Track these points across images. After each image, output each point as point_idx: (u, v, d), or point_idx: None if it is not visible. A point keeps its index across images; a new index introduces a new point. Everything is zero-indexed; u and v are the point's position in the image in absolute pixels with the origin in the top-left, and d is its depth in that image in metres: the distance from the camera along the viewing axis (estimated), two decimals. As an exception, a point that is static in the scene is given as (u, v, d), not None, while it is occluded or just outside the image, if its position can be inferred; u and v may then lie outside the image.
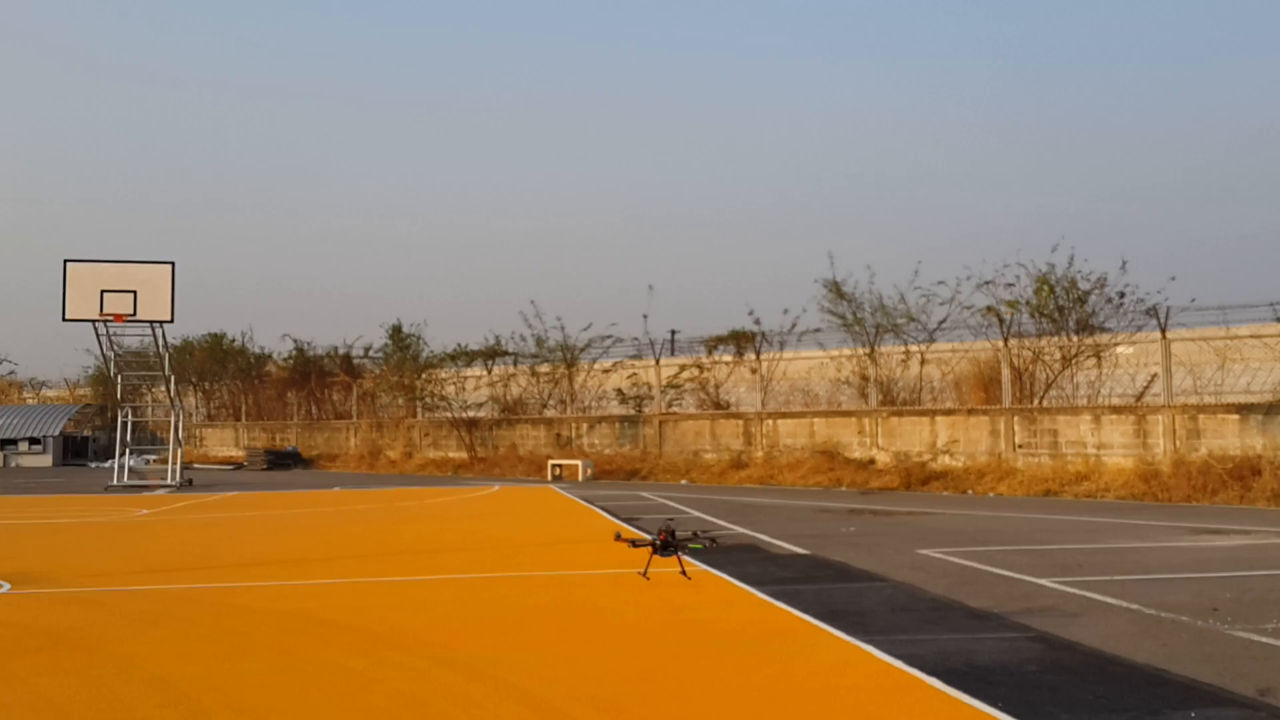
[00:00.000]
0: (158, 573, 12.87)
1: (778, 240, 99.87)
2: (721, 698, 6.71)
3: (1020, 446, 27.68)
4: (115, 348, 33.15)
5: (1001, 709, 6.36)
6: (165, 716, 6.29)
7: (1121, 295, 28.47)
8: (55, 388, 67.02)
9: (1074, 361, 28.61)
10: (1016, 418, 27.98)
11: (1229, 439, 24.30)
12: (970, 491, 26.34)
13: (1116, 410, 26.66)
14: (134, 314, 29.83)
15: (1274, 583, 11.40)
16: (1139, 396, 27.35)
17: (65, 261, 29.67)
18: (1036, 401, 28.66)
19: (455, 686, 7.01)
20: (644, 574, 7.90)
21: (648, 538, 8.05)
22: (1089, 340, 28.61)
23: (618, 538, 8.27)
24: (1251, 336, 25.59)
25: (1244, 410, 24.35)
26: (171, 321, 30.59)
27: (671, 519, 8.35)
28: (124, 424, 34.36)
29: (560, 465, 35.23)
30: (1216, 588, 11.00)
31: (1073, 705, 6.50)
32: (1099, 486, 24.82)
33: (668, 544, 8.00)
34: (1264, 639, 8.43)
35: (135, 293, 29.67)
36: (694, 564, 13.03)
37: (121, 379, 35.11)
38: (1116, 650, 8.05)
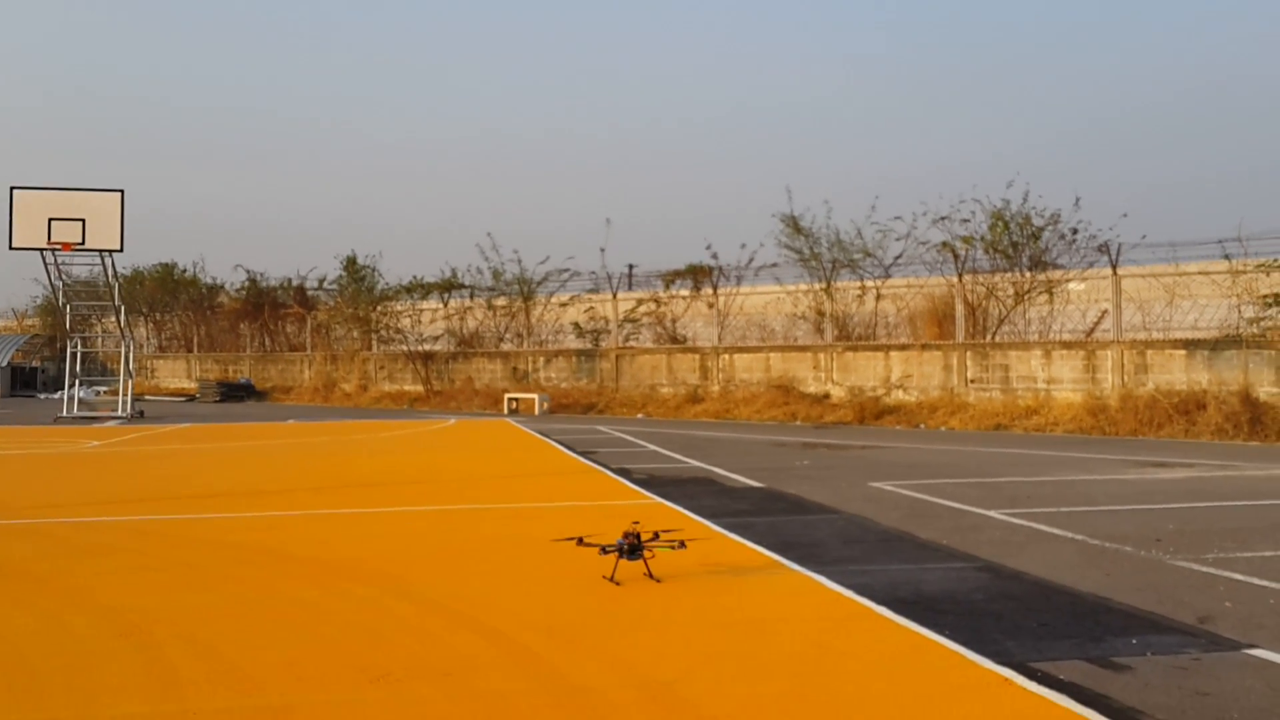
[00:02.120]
0: (109, 504, 12.78)
1: (736, 174, 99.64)
2: (674, 627, 6.78)
3: (972, 381, 27.97)
4: (64, 277, 32.65)
5: (949, 636, 6.47)
6: (116, 648, 6.27)
7: (1074, 232, 28.73)
8: (2, 317, 65.97)
9: (1026, 297, 28.87)
10: (969, 353, 28.24)
11: (1175, 374, 24.68)
12: (923, 426, 26.63)
13: (1067, 346, 26.97)
14: (82, 243, 29.37)
15: (1215, 514, 11.63)
16: (1089, 332, 27.69)
17: (11, 189, 29.13)
18: (989, 337, 28.93)
19: (409, 618, 7.04)
20: (611, 579, 7.89)
21: (614, 544, 8.02)
22: (1041, 276, 28.86)
23: (580, 542, 8.22)
24: (1200, 273, 25.90)
25: (1191, 346, 24.71)
26: (121, 250, 30.21)
27: (636, 522, 8.33)
28: (74, 355, 33.96)
29: (517, 399, 35.23)
30: (1160, 519, 11.21)
31: (1017, 632, 6.63)
32: (1048, 421, 25.17)
33: (635, 547, 7.97)
34: (1204, 568, 8.61)
35: (84, 221, 29.19)
36: (648, 495, 13.14)
37: (70, 309, 34.59)
38: (1061, 580, 8.20)
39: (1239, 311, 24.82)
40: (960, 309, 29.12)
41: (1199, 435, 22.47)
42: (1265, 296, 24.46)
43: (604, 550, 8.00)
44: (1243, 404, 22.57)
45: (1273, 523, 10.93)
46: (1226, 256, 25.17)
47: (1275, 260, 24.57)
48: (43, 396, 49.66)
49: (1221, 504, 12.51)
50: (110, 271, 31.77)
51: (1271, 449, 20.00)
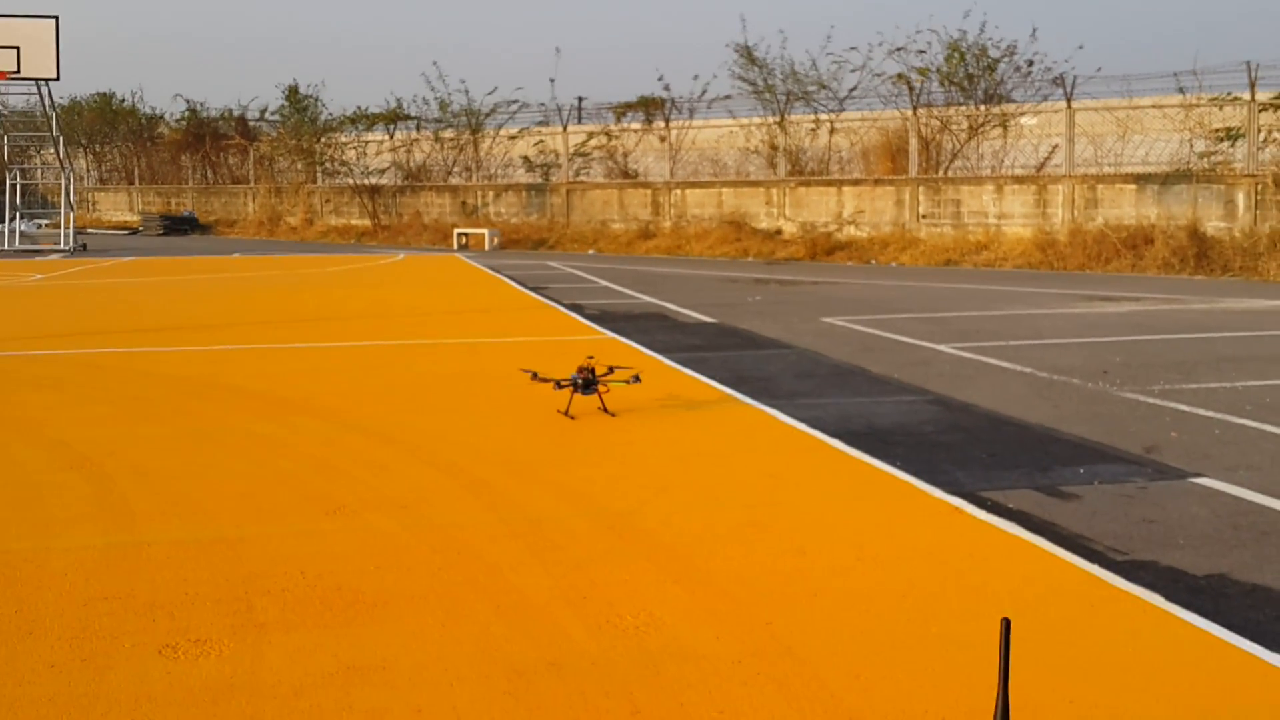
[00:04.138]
0: (55, 338, 12.57)
1: (689, 2, 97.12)
2: (630, 460, 6.81)
3: (924, 217, 27.95)
4: (1, 107, 31.58)
5: (900, 467, 6.55)
6: (66, 480, 6.21)
7: (1030, 64, 28.35)
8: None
9: (980, 131, 28.65)
10: (921, 188, 28.14)
11: (1125, 209, 24.75)
12: (874, 261, 26.69)
13: (1019, 180, 26.92)
14: (17, 71, 28.35)
15: (1161, 347, 11.80)
16: (1040, 167, 27.58)
17: (-60, 17, 27.87)
18: (942, 172, 28.80)
19: (364, 451, 7.01)
20: (566, 413, 7.83)
21: (568, 379, 7.93)
22: (996, 110, 28.59)
23: (534, 377, 8.12)
24: (1153, 107, 25.77)
25: (1141, 180, 24.74)
26: (57, 79, 29.27)
27: (591, 357, 8.23)
28: (13, 187, 33.02)
29: (466, 234, 34.83)
30: (1107, 352, 11.35)
31: (967, 463, 6.73)
32: (998, 256, 25.28)
33: (589, 382, 7.89)
34: (1151, 399, 8.75)
35: (18, 49, 28.14)
36: (601, 331, 13.11)
37: (7, 140, 33.56)
38: (1010, 412, 8.31)
39: (1190, 146, 24.82)
40: (914, 143, 28.89)
41: (1146, 270, 22.69)
42: (1217, 130, 24.43)
43: (558, 385, 7.97)
44: (1190, 238, 22.74)
45: (1218, 355, 11.10)
46: (1180, 90, 25.02)
47: (1228, 94, 24.45)
48: (-20, 230, 48.36)
49: (1167, 337, 12.69)
50: (47, 101, 30.73)
51: (1216, 283, 20.26)
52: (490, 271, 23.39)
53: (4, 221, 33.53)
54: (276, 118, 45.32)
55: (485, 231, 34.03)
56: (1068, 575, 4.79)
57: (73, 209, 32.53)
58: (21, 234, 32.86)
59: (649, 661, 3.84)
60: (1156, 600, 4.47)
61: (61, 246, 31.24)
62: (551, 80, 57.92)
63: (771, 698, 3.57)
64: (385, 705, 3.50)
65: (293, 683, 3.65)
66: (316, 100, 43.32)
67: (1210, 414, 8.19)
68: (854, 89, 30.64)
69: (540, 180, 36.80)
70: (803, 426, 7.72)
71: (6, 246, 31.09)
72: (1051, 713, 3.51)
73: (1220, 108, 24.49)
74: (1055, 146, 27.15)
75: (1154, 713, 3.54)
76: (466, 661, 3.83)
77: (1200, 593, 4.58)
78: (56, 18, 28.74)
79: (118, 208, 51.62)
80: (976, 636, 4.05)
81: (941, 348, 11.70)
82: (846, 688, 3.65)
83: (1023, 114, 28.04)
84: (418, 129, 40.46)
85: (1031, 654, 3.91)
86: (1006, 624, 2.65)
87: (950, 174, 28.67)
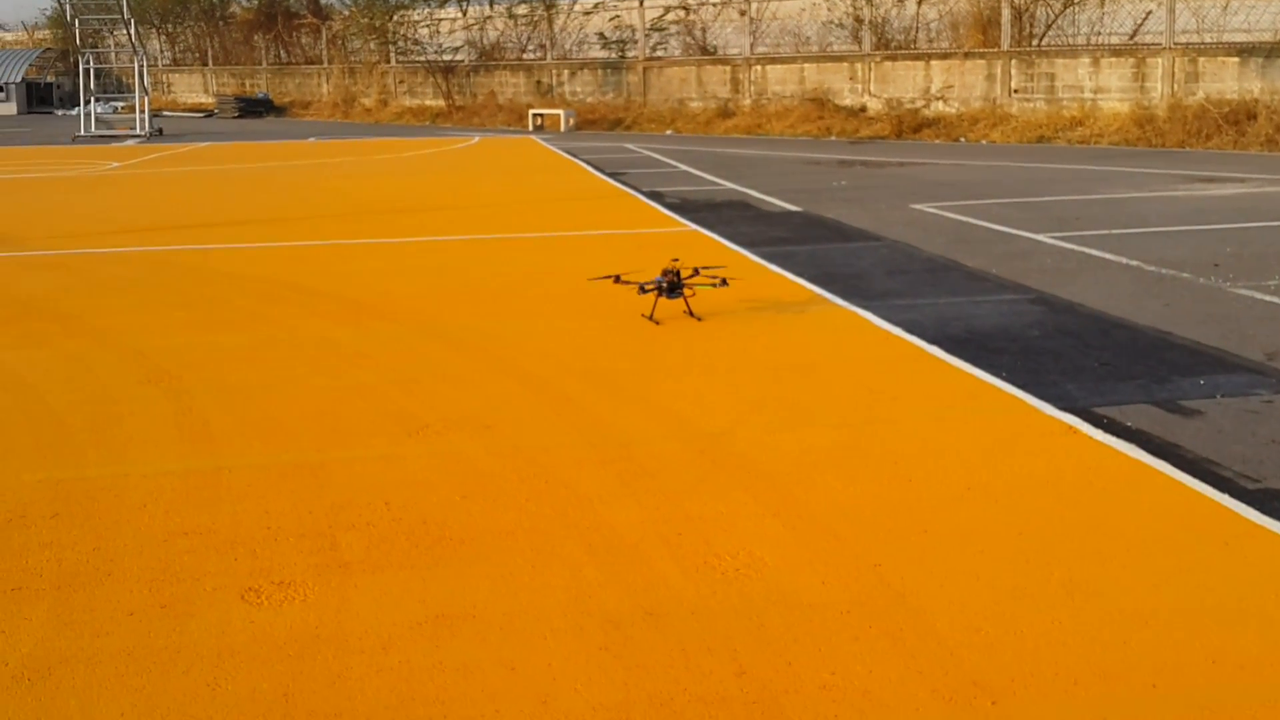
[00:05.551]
0: (131, 233, 12.50)
1: None
2: (718, 372, 6.52)
3: (1016, 91, 26.83)
4: (70, -13, 31.42)
5: (1006, 379, 6.19)
6: (145, 396, 6.09)
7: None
8: (12, 30, 64.16)
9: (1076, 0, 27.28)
10: (1014, 61, 26.97)
11: (1227, 83, 23.51)
12: (963, 139, 25.78)
13: (1116, 52, 25.65)
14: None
15: (1273, 235, 11.17)
16: (1133, 34, 26.19)
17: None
18: (1035, 44, 27.55)
19: (444, 361, 6.81)
20: (651, 318, 7.52)
21: (653, 282, 7.60)
22: (1093, -24, 27.17)
23: (617, 280, 7.79)
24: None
25: (1244, 52, 23.41)
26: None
27: (676, 259, 7.86)
28: (86, 71, 32.98)
29: (541, 115, 34.27)
30: (1216, 241, 10.76)
31: (1078, 374, 6.34)
32: (1093, 132, 24.24)
33: (675, 285, 7.55)
34: (1267, 297, 8.24)
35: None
36: (683, 222, 12.74)
37: (79, 22, 33.43)
38: (1118, 312, 7.86)
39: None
40: (1006, 13, 27.57)
41: (1247, 147, 21.62)
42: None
43: (643, 289, 7.67)
44: (1296, 114, 21.61)
45: (1336, 246, 10.47)
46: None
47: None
48: (60, 113, 48.75)
49: (1277, 223, 12.01)
50: (117, -18, 30.57)
51: (1326, 162, 19.24)
52: (566, 156, 22.98)
53: (80, 105, 33.59)
54: (348, -5, 44.74)
55: (561, 112, 33.45)
56: (1198, 507, 4.45)
57: (147, 92, 32.46)
58: (98, 118, 32.94)
59: (751, 611, 3.61)
60: (1298, 539, 4.13)
61: (137, 131, 31.28)
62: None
63: (885, 656, 3.33)
64: (476, 660, 3.32)
65: (380, 634, 3.47)
66: (388, -25, 42.61)
67: (1336, 315, 7.68)
68: (944, -45, 29.27)
69: (616, 57, 35.95)
70: (899, 331, 7.36)
71: (82, 132, 31.18)
72: (1194, 671, 3.22)
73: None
74: (1149, 13, 25.73)
75: (1308, 679, 3.23)
76: (559, 610, 3.62)
77: (1345, 530, 4.23)
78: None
79: (192, 89, 51.65)
80: (1105, 583, 3.76)
81: (1040, 238, 11.18)
82: (966, 644, 3.39)
83: (1121, -21, 26.62)
84: (491, 5, 39.65)
85: (1168, 602, 3.62)
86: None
87: (1044, 46, 27.41)
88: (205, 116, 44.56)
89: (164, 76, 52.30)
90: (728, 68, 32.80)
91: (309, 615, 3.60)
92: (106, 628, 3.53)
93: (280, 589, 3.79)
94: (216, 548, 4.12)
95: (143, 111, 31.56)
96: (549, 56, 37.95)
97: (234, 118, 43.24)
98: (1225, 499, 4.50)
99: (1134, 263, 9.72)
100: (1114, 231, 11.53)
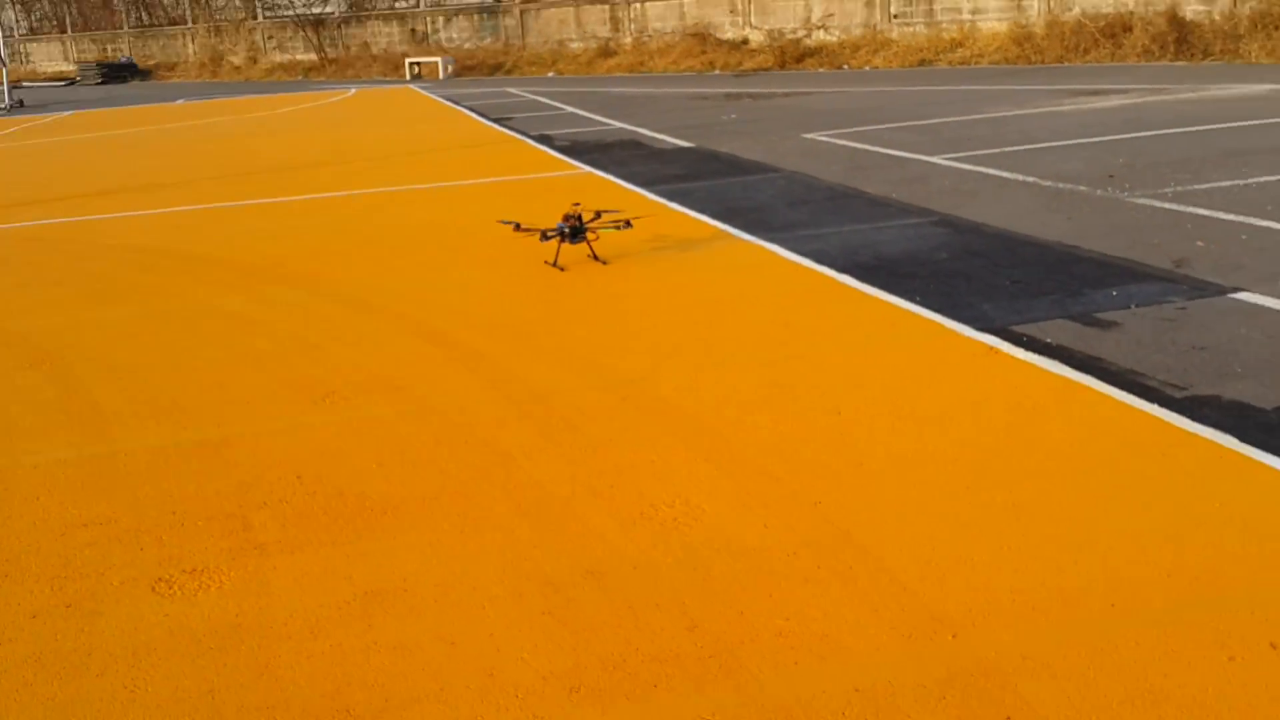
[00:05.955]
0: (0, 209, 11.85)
1: None
2: (630, 315, 6.36)
3: (895, 17, 26.86)
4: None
5: (921, 304, 6.12)
6: (29, 382, 5.71)
7: None
8: None
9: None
10: (890, -14, 26.99)
11: (1102, -3, 23.84)
12: (846, 66, 25.78)
13: (992, -28, 25.81)
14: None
15: (1161, 144, 11.30)
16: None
17: None
18: (911, -33, 27.59)
19: (345, 322, 6.52)
20: (555, 264, 7.28)
21: (554, 229, 7.35)
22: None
23: (517, 228, 7.54)
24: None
25: (1119, -35, 23.74)
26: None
27: (577, 204, 7.62)
28: (-64, 44, 31.28)
29: (419, 63, 33.47)
30: (1107, 153, 10.85)
31: (992, 293, 6.30)
32: (973, 53, 24.43)
33: (577, 230, 7.31)
34: (1165, 205, 8.32)
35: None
36: (575, 164, 12.48)
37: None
38: (1023, 229, 7.86)
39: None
40: (880, -62, 27.56)
41: (1125, 59, 21.96)
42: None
43: (545, 236, 7.45)
44: (1169, 24, 21.92)
45: (1222, 150, 10.61)
46: None
47: None
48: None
49: (1164, 132, 12.14)
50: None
51: (1198, 69, 19.60)
52: (448, 103, 22.44)
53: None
54: (207, -50, 43.11)
55: (438, 60, 32.72)
56: (1128, 420, 4.42)
57: (4, 64, 30.92)
58: (-47, 94, 31.29)
59: (696, 561, 3.47)
60: (1231, 443, 4.11)
61: (-3, 104, 29.81)
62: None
63: (839, 597, 3.22)
64: (413, 637, 3.13)
65: (306, 617, 3.27)
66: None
67: (1232, 217, 7.75)
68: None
69: (493, 2, 35.21)
70: (808, 262, 7.26)
71: (-62, 108, 29.61)
72: (1151, 587, 3.17)
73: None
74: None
75: (1263, 577, 3.20)
76: (495, 577, 3.45)
77: (1275, 430, 4.23)
78: None
79: (52, 58, 49.48)
80: (1048, 504, 3.70)
81: (935, 160, 11.16)
82: (919, 578, 3.30)
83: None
84: (358, -47, 38.53)
85: (1115, 519, 3.57)
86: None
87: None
88: (67, 85, 42.66)
89: (22, 46, 49.96)
90: (607, 6, 32.32)
91: (227, 603, 3.38)
92: (9, 633, 3.27)
93: (193, 577, 3.55)
94: (120, 538, 3.85)
95: (1, 83, 30.06)
96: (422, 4, 37.01)
97: (98, 84, 41.49)
98: (1155, 409, 4.48)
99: (1030, 179, 9.75)
100: (1005, 149, 11.57)
